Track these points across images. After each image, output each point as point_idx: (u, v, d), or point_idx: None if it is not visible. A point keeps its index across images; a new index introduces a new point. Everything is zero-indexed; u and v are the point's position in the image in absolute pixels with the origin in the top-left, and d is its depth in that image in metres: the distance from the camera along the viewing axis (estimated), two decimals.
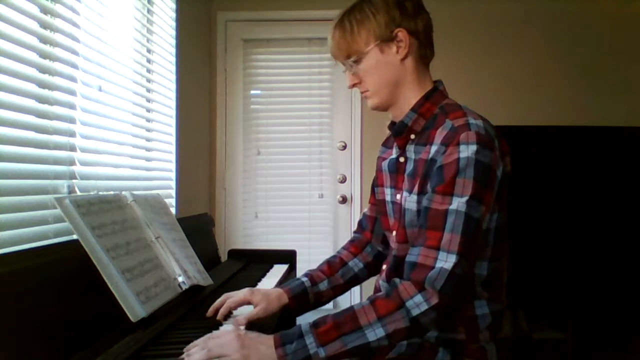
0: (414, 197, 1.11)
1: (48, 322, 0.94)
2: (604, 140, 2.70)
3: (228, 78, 3.08)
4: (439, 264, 0.98)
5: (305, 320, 1.23)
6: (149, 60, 2.16)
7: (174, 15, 2.41)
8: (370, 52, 1.14)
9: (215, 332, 1.02)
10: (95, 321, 1.05)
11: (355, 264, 1.38)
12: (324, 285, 1.32)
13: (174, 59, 2.39)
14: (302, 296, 1.28)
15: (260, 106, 3.13)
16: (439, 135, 1.08)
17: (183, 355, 0.94)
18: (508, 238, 1.15)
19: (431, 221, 1.02)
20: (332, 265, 1.36)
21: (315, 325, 0.98)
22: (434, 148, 1.08)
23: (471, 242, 1.00)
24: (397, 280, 1.02)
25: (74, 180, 1.49)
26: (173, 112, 2.38)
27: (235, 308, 1.21)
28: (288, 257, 2.13)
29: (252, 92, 3.12)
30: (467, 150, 1.02)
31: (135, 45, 2.02)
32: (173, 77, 2.38)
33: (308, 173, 3.08)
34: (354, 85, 1.20)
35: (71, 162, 1.49)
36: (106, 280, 1.05)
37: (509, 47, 3.01)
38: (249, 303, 1.21)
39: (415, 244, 1.04)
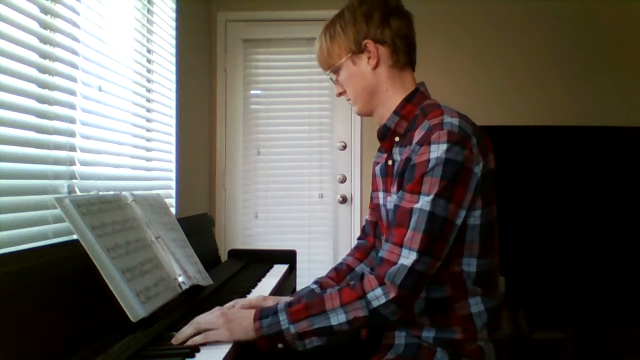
0: (394, 196, 1.14)
1: (48, 322, 0.94)
2: (604, 140, 2.70)
3: (228, 78, 3.08)
4: (400, 260, 1.03)
5: None
6: (149, 60, 2.16)
7: (174, 15, 2.41)
8: (344, 65, 1.22)
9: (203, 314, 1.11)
10: (95, 321, 1.05)
11: (362, 269, 1.38)
12: None
13: (174, 59, 2.39)
14: None
15: (260, 106, 3.12)
16: (417, 135, 1.11)
17: (175, 334, 1.04)
18: (499, 235, 1.16)
19: (398, 219, 1.07)
20: (340, 272, 1.38)
21: (289, 304, 1.08)
22: (411, 147, 1.11)
23: (435, 239, 1.03)
24: (366, 272, 1.07)
25: (74, 180, 1.49)
26: (173, 112, 2.37)
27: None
28: (288, 257, 2.13)
29: (252, 92, 3.12)
30: (437, 150, 1.05)
31: (135, 45, 2.02)
32: (173, 77, 2.38)
33: (308, 173, 3.08)
34: (340, 94, 1.28)
35: (71, 162, 1.49)
36: (106, 280, 1.05)
37: (508, 46, 3.01)
38: (260, 307, 1.19)
39: (387, 240, 1.08)
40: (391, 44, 1.18)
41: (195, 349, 1.00)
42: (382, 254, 1.06)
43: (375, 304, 1.03)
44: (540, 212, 2.67)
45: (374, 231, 1.40)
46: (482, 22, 3.02)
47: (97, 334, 1.02)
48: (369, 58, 1.19)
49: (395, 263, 1.03)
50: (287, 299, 1.26)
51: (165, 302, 1.20)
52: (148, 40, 2.15)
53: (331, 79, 1.27)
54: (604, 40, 2.98)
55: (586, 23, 2.99)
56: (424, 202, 1.03)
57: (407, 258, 1.02)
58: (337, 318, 1.04)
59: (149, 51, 2.16)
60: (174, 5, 2.41)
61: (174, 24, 2.40)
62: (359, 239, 1.46)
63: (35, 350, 0.90)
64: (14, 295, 0.88)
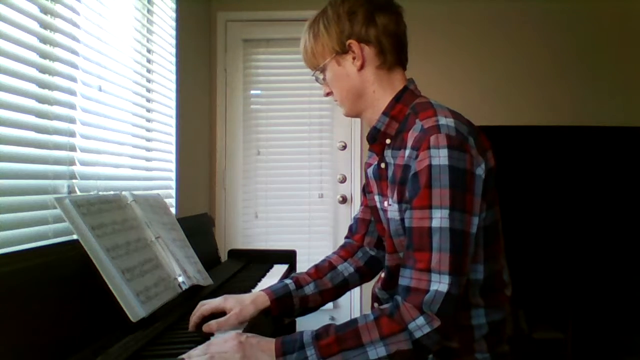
0: (395, 205, 1.09)
1: (48, 322, 0.94)
2: (604, 140, 2.70)
3: (228, 78, 3.08)
4: (433, 287, 0.95)
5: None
6: (149, 60, 2.16)
7: (174, 15, 2.41)
8: (329, 65, 1.16)
9: (216, 338, 1.01)
10: (95, 321, 1.05)
11: (345, 268, 1.33)
12: (309, 289, 1.26)
13: (174, 59, 2.39)
14: (285, 299, 1.22)
15: (260, 106, 3.13)
16: (410, 138, 1.05)
17: (183, 355, 0.93)
18: (503, 235, 1.12)
19: (416, 241, 0.99)
20: (320, 269, 1.31)
21: (317, 337, 0.96)
22: (407, 152, 1.05)
23: (461, 256, 0.98)
24: (399, 298, 0.99)
25: (74, 180, 1.49)
26: (173, 112, 2.37)
27: (208, 315, 1.15)
28: (288, 257, 2.13)
29: (252, 92, 3.12)
30: (438, 156, 0.98)
31: (135, 45, 2.02)
32: (173, 77, 2.38)
33: (308, 173, 3.08)
34: (327, 94, 1.24)
35: (71, 162, 1.49)
36: (106, 280, 1.05)
37: (508, 47, 3.01)
38: (222, 310, 1.15)
39: (405, 265, 1.01)
40: (377, 44, 1.12)
41: None
42: (407, 282, 0.98)
43: (417, 334, 0.94)
44: (540, 212, 2.67)
45: (365, 229, 1.35)
46: (482, 22, 3.02)
47: (97, 334, 1.02)
48: (353, 59, 1.13)
49: (428, 290, 0.95)
50: (254, 295, 1.19)
51: (165, 302, 1.20)
52: (148, 40, 2.15)
53: (317, 78, 1.22)
54: (603, 40, 2.98)
55: (586, 23, 2.99)
56: (441, 219, 0.97)
57: (440, 283, 0.95)
58: (376, 352, 0.94)
59: (149, 51, 2.16)
60: (174, 5, 2.41)
61: (174, 24, 2.40)
62: (346, 237, 1.41)
63: (35, 350, 0.89)
64: (14, 295, 0.88)
